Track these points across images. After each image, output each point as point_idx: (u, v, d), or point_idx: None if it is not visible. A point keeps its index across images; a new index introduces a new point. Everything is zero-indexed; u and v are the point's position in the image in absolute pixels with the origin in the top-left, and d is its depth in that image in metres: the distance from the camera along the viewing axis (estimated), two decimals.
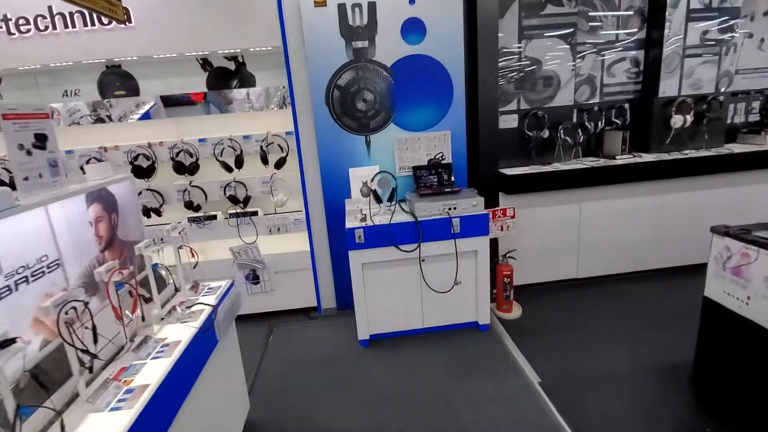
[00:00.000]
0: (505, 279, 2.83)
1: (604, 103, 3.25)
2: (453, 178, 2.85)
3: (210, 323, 1.66)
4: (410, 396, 2.20)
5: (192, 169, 2.78)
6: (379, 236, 2.43)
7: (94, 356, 1.23)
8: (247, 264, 2.96)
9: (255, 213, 2.93)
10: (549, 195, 3.03)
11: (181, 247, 1.81)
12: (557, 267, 3.25)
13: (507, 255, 2.86)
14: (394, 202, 2.65)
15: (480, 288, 2.65)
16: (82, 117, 2.82)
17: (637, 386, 2.13)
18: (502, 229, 2.85)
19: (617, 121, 3.26)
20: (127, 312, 1.46)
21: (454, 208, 2.49)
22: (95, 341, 1.25)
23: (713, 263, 1.85)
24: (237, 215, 2.89)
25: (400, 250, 2.42)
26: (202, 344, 1.59)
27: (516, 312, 2.92)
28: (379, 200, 2.61)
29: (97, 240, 1.54)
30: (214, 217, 2.92)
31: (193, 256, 1.84)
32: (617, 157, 3.12)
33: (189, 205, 2.83)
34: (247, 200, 2.89)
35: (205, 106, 2.85)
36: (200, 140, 2.80)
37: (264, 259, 2.99)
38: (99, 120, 2.83)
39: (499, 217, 2.81)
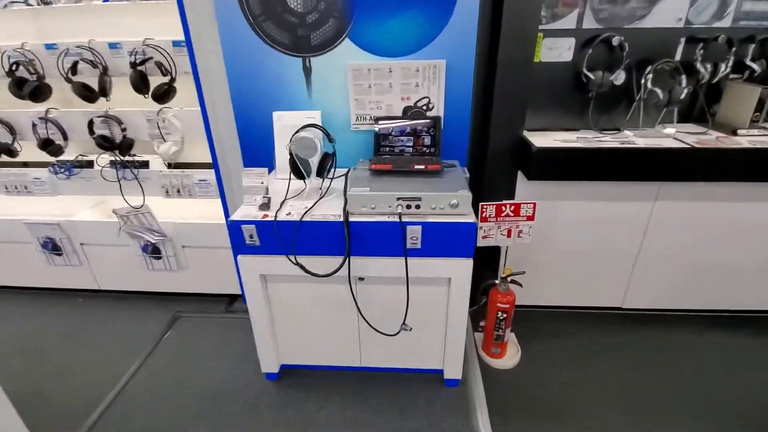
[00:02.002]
0: (500, 314, 1.80)
1: (737, 30, 1.81)
2: (439, 145, 1.72)
3: None
4: None
5: (35, 92, 1.83)
6: (284, 240, 1.44)
7: None
8: (139, 234, 2.11)
9: (144, 164, 2.00)
10: (601, 186, 1.83)
11: None
12: (593, 289, 2.14)
13: (511, 277, 1.79)
14: (329, 177, 1.61)
15: (452, 331, 1.66)
16: None
17: None
18: (509, 235, 1.75)
19: (754, 67, 1.84)
20: None
21: (417, 206, 1.41)
22: None
23: None
24: (116, 165, 1.97)
25: (307, 272, 1.43)
26: None
27: (511, 357, 1.93)
28: (300, 174, 1.57)
29: None
30: (89, 164, 2.03)
31: None
32: (741, 131, 1.79)
33: (46, 144, 1.93)
34: (127, 145, 1.94)
35: None
36: (48, 46, 1.80)
37: (163, 229, 2.13)
38: None
39: (508, 216, 1.70)
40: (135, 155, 2.02)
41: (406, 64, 1.67)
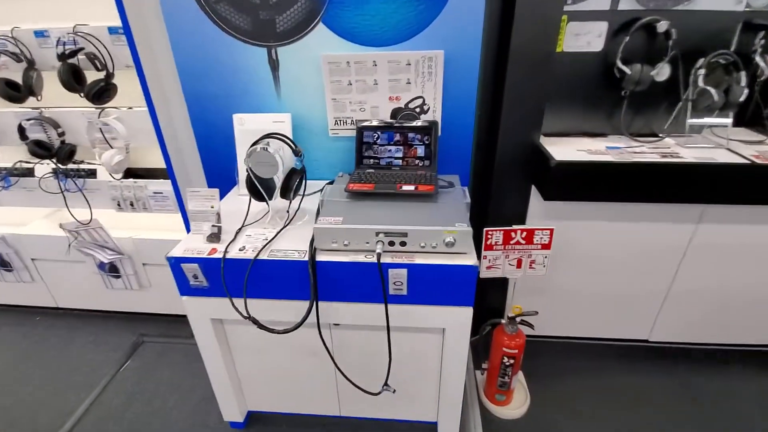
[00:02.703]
0: (506, 359, 1.50)
1: None
2: (435, 156, 1.39)
3: None
4: None
5: None
6: (236, 281, 1.15)
7: None
8: (90, 251, 1.84)
9: (92, 173, 1.71)
10: (633, 205, 1.50)
11: None
12: (616, 320, 1.84)
13: (520, 317, 1.48)
14: (300, 194, 1.30)
15: (448, 385, 1.37)
16: None
17: None
18: (518, 266, 1.44)
19: None
20: None
21: (402, 243, 1.11)
22: None
23: None
24: (58, 174, 1.68)
25: (261, 327, 1.13)
26: None
27: (518, 405, 1.64)
28: (259, 195, 1.26)
29: None
30: (30, 173, 1.74)
31: None
32: None
33: None
34: (67, 152, 1.64)
35: None
36: None
37: (119, 246, 1.85)
38: None
39: (518, 243, 1.38)
40: (82, 162, 1.72)
41: (395, 56, 1.34)
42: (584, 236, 1.61)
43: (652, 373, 1.77)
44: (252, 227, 1.28)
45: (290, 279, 1.15)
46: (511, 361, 1.50)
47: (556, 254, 1.41)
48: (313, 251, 1.13)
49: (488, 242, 1.38)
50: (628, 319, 1.82)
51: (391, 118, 1.43)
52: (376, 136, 1.41)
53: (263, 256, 1.13)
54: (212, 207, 1.23)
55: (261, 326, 1.10)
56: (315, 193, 1.40)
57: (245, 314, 1.11)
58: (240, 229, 1.25)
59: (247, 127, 1.44)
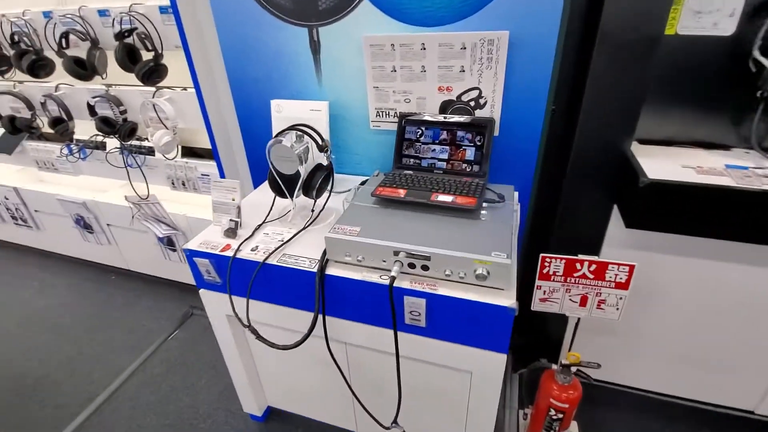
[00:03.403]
0: (554, 412, 1.25)
1: None
2: (487, 161, 1.16)
3: None
4: None
5: (35, 66, 1.64)
6: (246, 282, 1.07)
7: None
8: (148, 224, 1.93)
9: (151, 151, 1.77)
10: (752, 248, 1.12)
11: None
12: (711, 380, 1.45)
13: (579, 367, 1.20)
14: (328, 190, 1.17)
15: (476, 427, 1.17)
16: None
17: None
18: (582, 303, 1.17)
19: None
20: None
21: (425, 267, 0.92)
22: None
23: None
24: (123, 150, 1.77)
25: (262, 340, 1.03)
26: None
27: None
28: (280, 191, 1.16)
29: None
30: (103, 146, 1.86)
31: None
32: None
33: (56, 123, 1.79)
34: (128, 130, 1.70)
35: None
36: (45, 14, 1.58)
37: (174, 222, 1.92)
38: None
39: (584, 277, 1.11)
40: (145, 139, 1.79)
41: (448, 38, 1.12)
42: (678, 275, 1.27)
43: None
44: (272, 225, 1.18)
45: (298, 288, 1.04)
46: (560, 416, 1.24)
47: (637, 291, 1.11)
48: (324, 262, 1.00)
49: (544, 271, 1.13)
50: (728, 383, 1.43)
51: (439, 113, 1.22)
52: (420, 132, 1.21)
53: (272, 261, 1.03)
54: (233, 199, 1.16)
55: (260, 338, 1.01)
56: (346, 192, 1.27)
57: (245, 322, 1.02)
58: (259, 226, 1.17)
59: (284, 114, 1.35)
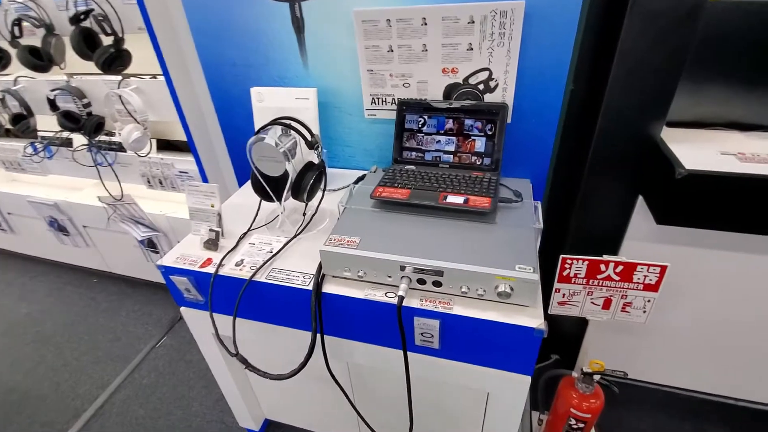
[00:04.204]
0: (573, 421, 1.15)
1: None
2: (500, 153, 1.02)
3: None
4: None
5: None
6: (231, 302, 0.93)
7: None
8: (126, 226, 1.78)
9: (123, 148, 1.60)
10: None
11: None
12: (741, 375, 1.37)
13: (604, 376, 1.10)
14: (321, 189, 1.03)
15: None
16: None
17: None
18: (606, 306, 1.05)
19: None
20: None
21: (436, 284, 0.79)
22: None
23: None
24: (91, 147, 1.59)
25: (253, 369, 0.90)
26: None
27: None
28: (265, 194, 1.01)
29: None
30: (68, 143, 1.68)
31: None
32: None
33: (17, 120, 1.60)
34: (94, 124, 1.52)
35: None
36: None
37: (154, 223, 1.77)
38: None
39: (609, 279, 1.00)
40: (113, 134, 1.62)
41: (453, 10, 0.96)
42: (710, 269, 1.16)
43: None
44: (259, 232, 1.05)
45: (291, 306, 0.91)
46: (581, 426, 1.15)
47: (664, 289, 1.00)
48: (320, 278, 0.87)
49: (565, 273, 1.01)
50: (759, 376, 1.35)
51: (444, 99, 1.07)
52: (422, 121, 1.07)
53: (260, 278, 0.90)
54: (212, 206, 1.01)
55: (250, 367, 0.88)
56: (340, 189, 1.13)
57: (232, 351, 0.90)
58: (244, 234, 1.03)
59: (267, 103, 1.18)
